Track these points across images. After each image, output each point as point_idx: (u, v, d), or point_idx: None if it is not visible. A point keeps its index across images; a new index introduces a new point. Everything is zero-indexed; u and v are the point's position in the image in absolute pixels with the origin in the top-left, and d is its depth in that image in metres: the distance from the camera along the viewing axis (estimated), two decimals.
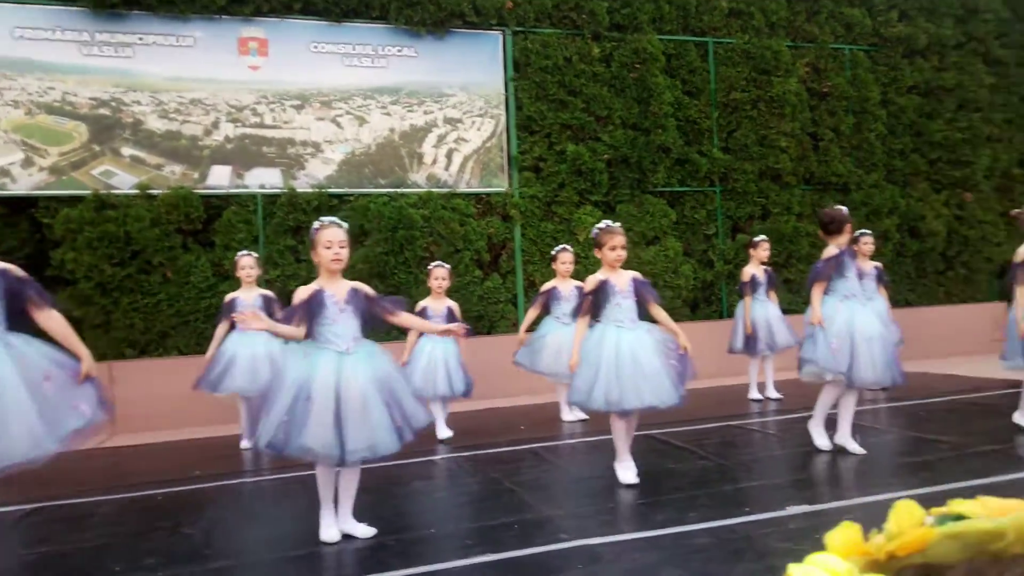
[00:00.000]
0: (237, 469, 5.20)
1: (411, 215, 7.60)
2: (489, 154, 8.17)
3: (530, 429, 6.03)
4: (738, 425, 5.76)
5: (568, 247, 6.23)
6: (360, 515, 3.73)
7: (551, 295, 6.07)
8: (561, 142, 8.22)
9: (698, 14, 8.84)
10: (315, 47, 7.66)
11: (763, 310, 6.61)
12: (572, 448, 5.38)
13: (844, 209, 4.64)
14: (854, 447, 4.56)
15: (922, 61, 9.75)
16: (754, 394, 6.80)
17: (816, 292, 4.51)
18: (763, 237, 6.89)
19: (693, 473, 4.39)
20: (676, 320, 8.26)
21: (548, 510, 3.83)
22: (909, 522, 0.49)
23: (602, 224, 4.24)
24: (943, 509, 0.50)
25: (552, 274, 6.32)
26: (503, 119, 8.21)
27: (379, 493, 4.26)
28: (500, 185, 8.18)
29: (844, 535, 0.51)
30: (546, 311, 6.11)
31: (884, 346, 4.48)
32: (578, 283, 5.74)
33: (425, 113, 7.97)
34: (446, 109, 8.03)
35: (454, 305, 5.79)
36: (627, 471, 4.22)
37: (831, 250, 4.58)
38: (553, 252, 6.23)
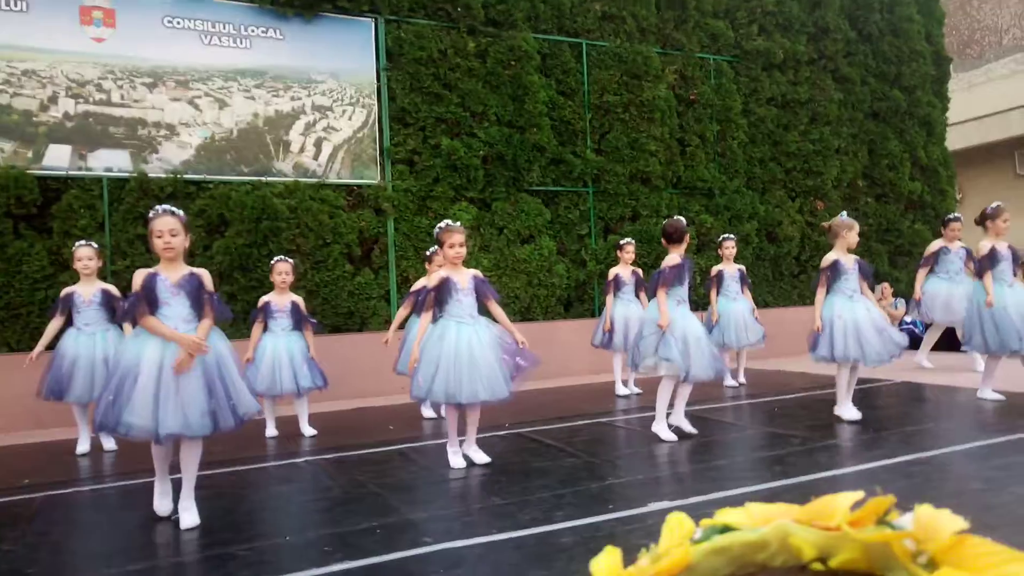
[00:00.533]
0: (72, 477, 4.73)
1: (276, 205, 7.23)
2: (361, 145, 7.91)
3: (400, 429, 5.87)
4: (607, 422, 5.83)
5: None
6: (212, 522, 3.52)
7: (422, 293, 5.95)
8: (436, 136, 8.08)
9: (572, 15, 8.95)
10: (169, 21, 7.13)
11: (624, 309, 6.77)
12: (440, 448, 5.25)
13: (683, 220, 5.10)
14: (688, 427, 5.08)
15: (779, 74, 10.31)
16: (620, 390, 6.97)
17: (662, 296, 4.89)
18: (628, 240, 7.04)
19: (561, 471, 4.37)
20: (550, 318, 8.49)
21: (413, 513, 3.69)
22: (678, 538, 0.43)
23: (443, 223, 4.45)
24: (711, 521, 0.44)
25: (426, 271, 6.20)
26: (375, 109, 7.97)
27: (234, 498, 3.97)
28: (372, 177, 7.94)
29: (606, 561, 0.45)
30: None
31: (709, 344, 5.04)
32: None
33: (292, 99, 7.60)
34: (315, 96, 7.69)
35: (299, 300, 5.67)
36: (456, 456, 4.59)
37: (674, 258, 4.96)
38: (428, 252, 6.12)
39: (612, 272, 6.88)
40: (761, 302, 9.73)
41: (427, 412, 6.20)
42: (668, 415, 5.10)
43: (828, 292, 5.36)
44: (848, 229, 5.34)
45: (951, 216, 7.56)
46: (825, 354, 5.28)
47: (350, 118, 7.83)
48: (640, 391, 7.05)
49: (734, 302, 7.04)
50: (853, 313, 5.23)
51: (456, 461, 4.57)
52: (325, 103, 7.75)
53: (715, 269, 7.17)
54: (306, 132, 7.67)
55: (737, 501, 2.60)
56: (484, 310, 4.49)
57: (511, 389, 4.36)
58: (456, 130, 8.20)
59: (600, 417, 6.00)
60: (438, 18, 8.20)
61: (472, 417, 4.55)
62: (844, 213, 5.62)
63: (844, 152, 10.79)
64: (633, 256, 6.94)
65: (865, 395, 6.64)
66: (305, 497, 4.17)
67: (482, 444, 5.24)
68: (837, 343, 5.20)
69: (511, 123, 8.43)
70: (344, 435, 5.70)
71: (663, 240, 5.13)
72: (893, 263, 10.94)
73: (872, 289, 5.65)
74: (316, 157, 7.72)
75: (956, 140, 13.75)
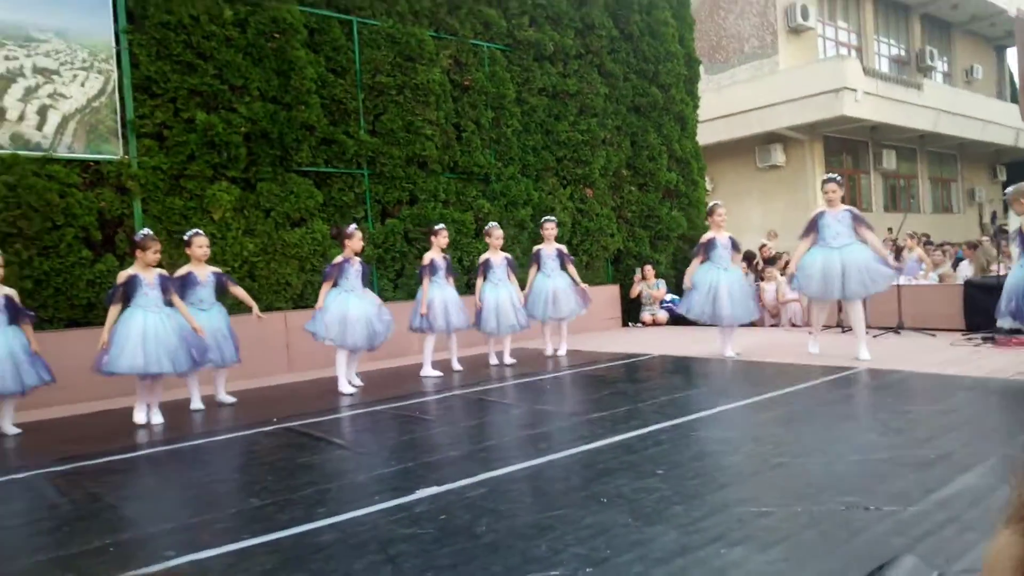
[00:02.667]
0: None
1: None
2: (98, 115, 6.98)
3: (154, 430, 5.29)
4: (382, 410, 5.65)
5: (200, 231, 5.96)
6: None
7: (186, 280, 5.83)
8: (189, 109, 7.36)
9: None
10: None
11: (441, 292, 7.09)
12: (196, 449, 4.78)
13: (351, 226, 6.44)
14: (350, 388, 6.41)
15: (550, 66, 10.66)
16: (427, 371, 7.09)
17: (325, 287, 6.32)
18: (442, 225, 7.27)
19: (329, 465, 4.14)
20: None
21: (155, 525, 3.29)
22: None
23: (144, 231, 5.50)
24: None
25: (187, 258, 5.96)
26: (115, 76, 7.07)
27: None
28: (113, 152, 7.05)
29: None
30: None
31: (371, 323, 6.36)
32: (214, 269, 6.07)
33: (7, 59, 6.51)
34: (36, 57, 6.65)
35: (12, 292, 5.29)
36: (140, 412, 5.51)
37: (338, 257, 6.37)
38: (186, 236, 5.92)
39: (427, 257, 7.06)
40: None
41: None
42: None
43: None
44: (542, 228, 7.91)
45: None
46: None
47: (83, 84, 6.87)
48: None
49: (496, 288, 7.30)
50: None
51: (140, 417, 5.47)
52: (50, 66, 6.73)
53: (483, 257, 7.51)
54: (26, 98, 6.61)
55: (501, 481, 2.52)
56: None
57: (192, 365, 5.49)
58: (213, 104, 7.51)
59: (374, 405, 5.81)
60: None
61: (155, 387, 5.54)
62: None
63: (610, 143, 11.42)
64: (446, 242, 7.22)
65: (628, 368, 7.06)
66: (24, 519, 3.57)
67: (246, 441, 4.91)
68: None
69: (276, 99, 7.89)
70: (83, 443, 5.01)
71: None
72: (654, 247, 11.79)
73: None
74: (40, 127, 6.68)
75: (707, 136, 15.16)
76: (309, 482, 3.80)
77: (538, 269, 7.76)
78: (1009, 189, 5.99)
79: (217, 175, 7.55)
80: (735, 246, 7.21)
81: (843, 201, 6.56)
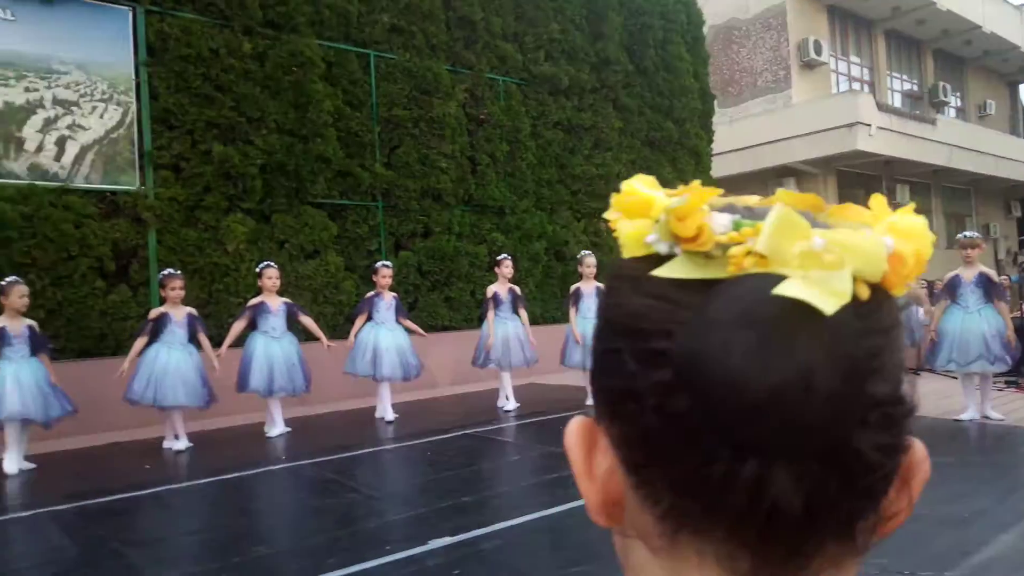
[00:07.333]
0: None
1: (5, 211, 6.16)
2: (116, 147, 6.98)
3: (157, 468, 5.20)
4: (395, 448, 5.55)
5: (272, 263, 6.35)
6: None
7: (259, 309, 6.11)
8: (206, 141, 7.36)
9: (360, 24, 8.61)
10: None
11: (502, 326, 7.12)
12: (195, 490, 4.69)
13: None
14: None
15: (565, 100, 10.67)
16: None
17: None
18: (505, 256, 7.32)
19: (339, 509, 4.04)
20: (339, 337, 7.95)
21: (164, 571, 3.20)
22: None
23: (166, 270, 5.92)
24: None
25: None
26: (134, 108, 7.08)
27: None
28: (130, 183, 7.04)
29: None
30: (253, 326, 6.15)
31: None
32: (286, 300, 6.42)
33: (27, 90, 6.52)
34: (56, 88, 6.66)
35: (34, 324, 5.39)
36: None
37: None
38: (258, 268, 6.36)
39: (491, 290, 7.15)
40: (551, 318, 9.94)
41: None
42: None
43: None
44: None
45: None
46: None
47: (102, 116, 6.88)
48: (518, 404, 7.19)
49: (504, 323, 7.14)
50: None
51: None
52: (70, 97, 6.74)
53: (491, 290, 7.20)
54: (45, 129, 6.61)
55: (521, 530, 2.40)
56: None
57: (208, 399, 5.77)
58: (230, 136, 7.51)
59: (380, 445, 5.72)
60: (209, 14, 7.48)
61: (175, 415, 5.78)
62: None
63: (624, 177, 11.13)
64: (511, 272, 7.19)
65: None
66: (26, 563, 3.48)
67: (255, 481, 4.81)
68: None
69: (292, 132, 7.89)
70: (90, 478, 4.94)
71: None
72: None
73: None
74: (58, 158, 6.68)
75: (720, 168, 15.09)
76: (318, 529, 3.74)
77: (577, 310, 7.16)
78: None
79: (232, 207, 7.53)
80: None
81: None
